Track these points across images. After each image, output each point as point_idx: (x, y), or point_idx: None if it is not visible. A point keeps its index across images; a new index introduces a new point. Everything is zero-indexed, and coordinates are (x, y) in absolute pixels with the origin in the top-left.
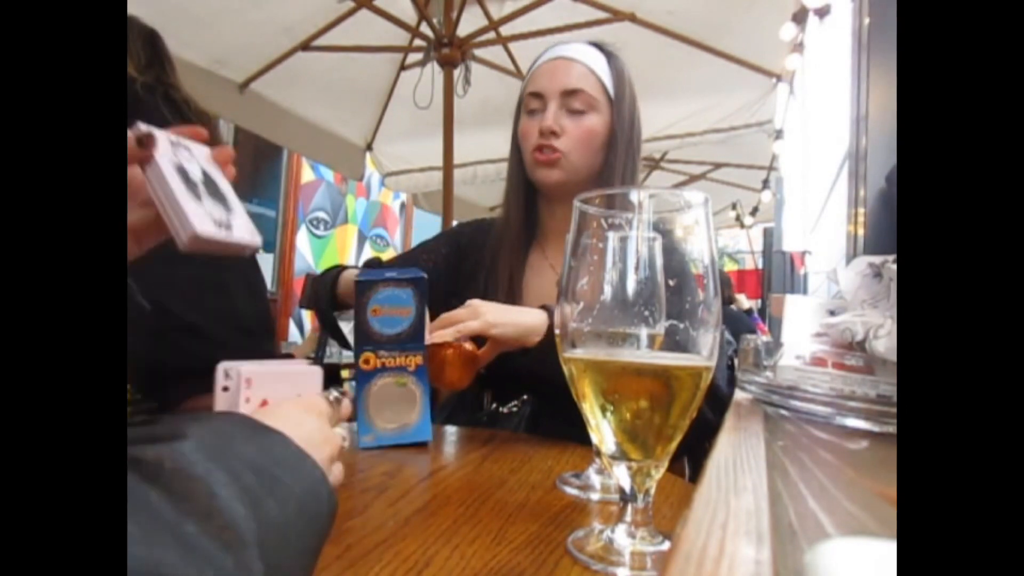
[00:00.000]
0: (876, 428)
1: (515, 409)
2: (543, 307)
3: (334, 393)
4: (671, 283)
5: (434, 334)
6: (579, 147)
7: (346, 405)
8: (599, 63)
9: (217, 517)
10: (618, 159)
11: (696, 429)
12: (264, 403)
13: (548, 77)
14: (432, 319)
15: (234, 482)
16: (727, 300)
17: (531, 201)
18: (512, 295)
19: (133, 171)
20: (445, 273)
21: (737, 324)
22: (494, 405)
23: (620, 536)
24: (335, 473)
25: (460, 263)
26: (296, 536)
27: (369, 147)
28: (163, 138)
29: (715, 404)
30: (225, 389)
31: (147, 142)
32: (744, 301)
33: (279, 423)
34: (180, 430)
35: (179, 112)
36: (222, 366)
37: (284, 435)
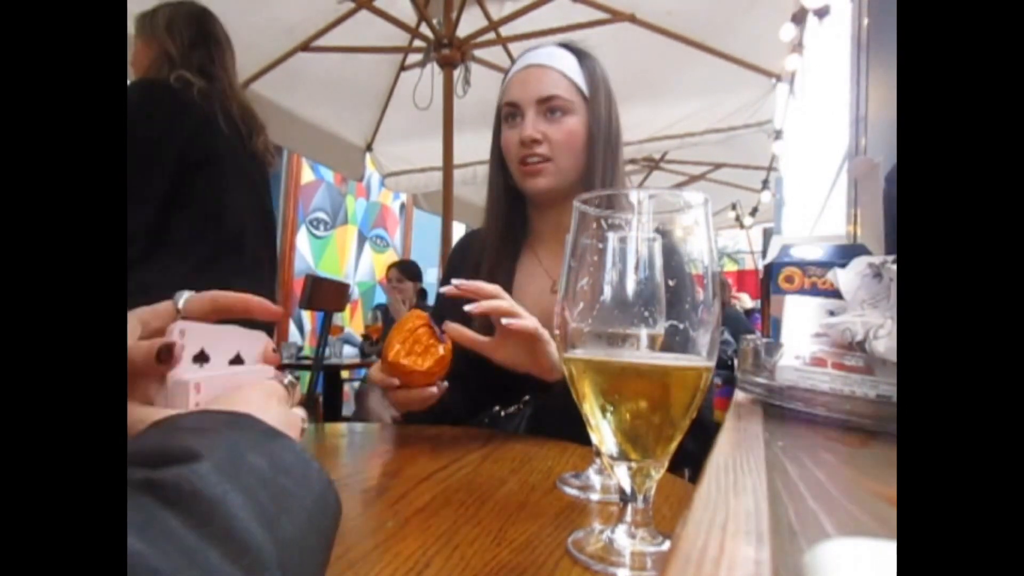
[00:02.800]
0: (876, 428)
1: (516, 410)
2: None
3: (288, 378)
4: (671, 283)
5: (516, 322)
6: (563, 150)
7: (297, 390)
8: (570, 65)
9: (237, 541)
10: (597, 158)
11: (675, 458)
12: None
13: (521, 87)
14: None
15: (250, 502)
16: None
17: (515, 207)
18: None
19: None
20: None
21: (736, 324)
22: (496, 407)
23: (620, 536)
24: None
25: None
26: (310, 551)
27: (369, 147)
28: (198, 333)
29: (696, 431)
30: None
31: (165, 359)
32: (747, 301)
33: (243, 409)
34: (193, 449)
35: (232, 121)
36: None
37: (289, 440)
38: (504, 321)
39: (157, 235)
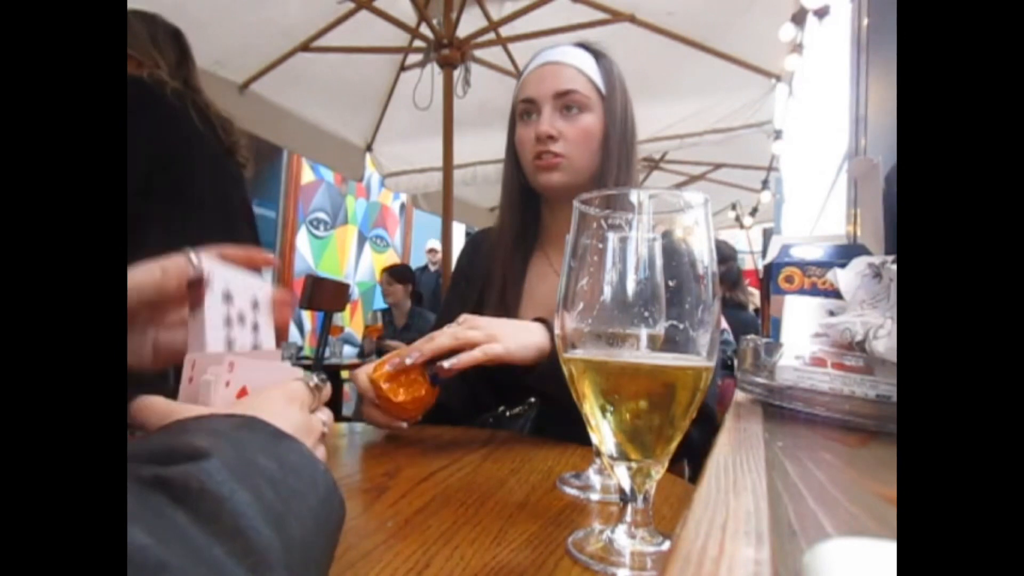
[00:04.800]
0: (876, 428)
1: (521, 411)
2: (539, 320)
3: (315, 379)
4: (671, 283)
5: (460, 359)
6: (578, 147)
7: (327, 391)
8: (588, 63)
9: (243, 539)
10: (612, 156)
11: (679, 447)
12: (243, 390)
13: (538, 82)
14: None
15: (258, 501)
16: (742, 305)
17: (529, 207)
18: (505, 303)
19: (167, 292)
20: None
21: (751, 330)
22: (500, 408)
23: (620, 536)
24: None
25: (474, 285)
26: (316, 551)
27: (369, 148)
28: (220, 271)
29: (699, 419)
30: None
31: (197, 287)
32: (758, 299)
33: (263, 415)
34: (202, 448)
35: (205, 118)
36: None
37: (296, 441)
38: (446, 364)
39: (138, 230)
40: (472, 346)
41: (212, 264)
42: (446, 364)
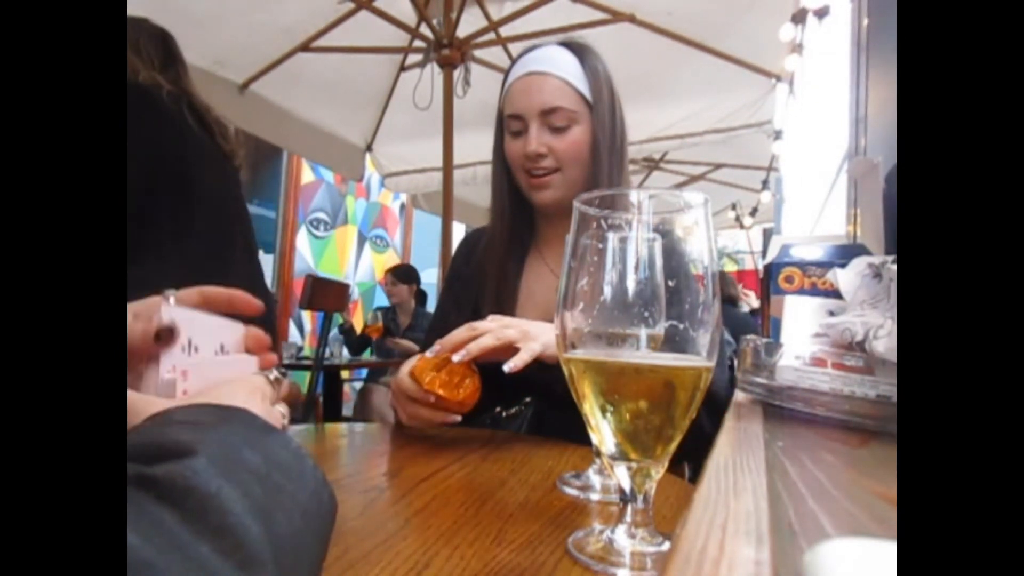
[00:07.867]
0: (876, 428)
1: (517, 412)
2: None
3: (275, 373)
4: (671, 284)
5: (515, 363)
6: (569, 162)
7: (285, 384)
8: (572, 69)
9: (231, 536)
10: (603, 164)
11: (690, 436)
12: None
13: (524, 97)
14: None
15: (245, 497)
16: (731, 300)
17: (521, 211)
18: (501, 306)
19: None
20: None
21: (744, 327)
22: (497, 408)
23: (620, 537)
24: None
25: (470, 286)
26: (306, 547)
27: (369, 148)
28: (187, 321)
29: (710, 408)
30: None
31: (165, 338)
32: (755, 300)
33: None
34: (187, 444)
35: (201, 121)
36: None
37: (283, 435)
38: (506, 369)
39: (139, 234)
40: (511, 345)
41: (175, 312)
42: (506, 368)
